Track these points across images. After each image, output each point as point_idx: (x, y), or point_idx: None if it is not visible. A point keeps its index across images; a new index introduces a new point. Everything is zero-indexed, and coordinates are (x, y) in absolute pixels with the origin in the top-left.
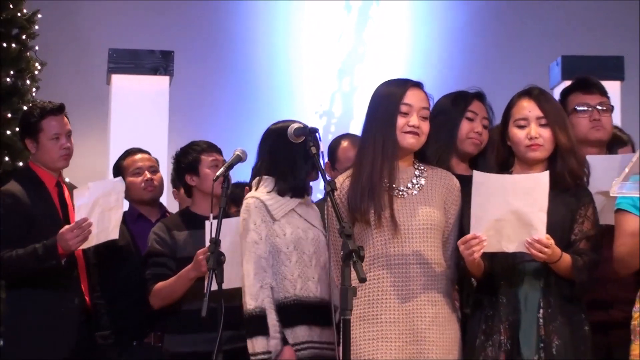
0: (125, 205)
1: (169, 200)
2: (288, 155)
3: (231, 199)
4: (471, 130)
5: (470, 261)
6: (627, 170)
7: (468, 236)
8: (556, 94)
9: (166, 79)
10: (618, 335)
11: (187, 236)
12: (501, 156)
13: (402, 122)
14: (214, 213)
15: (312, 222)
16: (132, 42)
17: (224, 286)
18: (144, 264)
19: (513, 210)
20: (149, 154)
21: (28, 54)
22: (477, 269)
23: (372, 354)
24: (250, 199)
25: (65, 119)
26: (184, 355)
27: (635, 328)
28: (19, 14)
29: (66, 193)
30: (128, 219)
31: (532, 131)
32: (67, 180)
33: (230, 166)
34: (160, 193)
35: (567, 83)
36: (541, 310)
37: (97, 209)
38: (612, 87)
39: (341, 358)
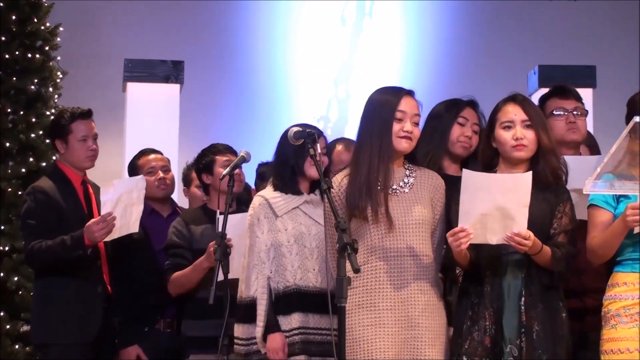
0: None
1: (179, 197)
2: (282, 157)
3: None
4: (461, 135)
5: (457, 252)
6: (598, 170)
7: (456, 229)
8: (534, 100)
9: (177, 86)
10: (591, 322)
11: (203, 230)
12: (486, 157)
13: (397, 128)
14: (221, 209)
15: (318, 219)
16: (146, 52)
17: (230, 276)
18: (164, 255)
19: (498, 206)
20: (161, 154)
21: (51, 63)
22: (463, 259)
23: (370, 339)
24: (256, 197)
25: (93, 123)
26: (199, 339)
27: (606, 315)
28: (42, 27)
29: (90, 191)
30: (142, 214)
31: (517, 132)
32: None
33: (235, 166)
34: (172, 191)
35: (544, 90)
36: (523, 298)
37: (121, 204)
38: (585, 94)
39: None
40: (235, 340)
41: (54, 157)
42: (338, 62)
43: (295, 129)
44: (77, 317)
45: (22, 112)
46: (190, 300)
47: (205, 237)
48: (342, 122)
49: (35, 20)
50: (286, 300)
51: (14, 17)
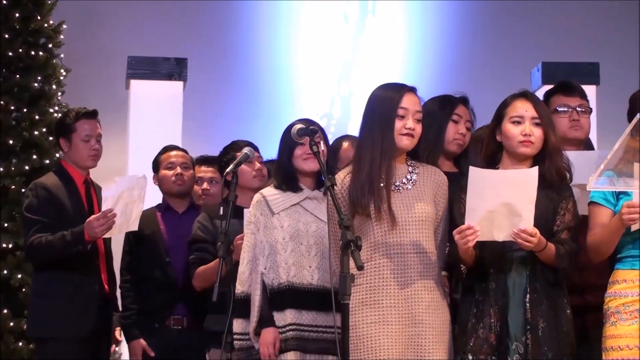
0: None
1: None
2: (284, 153)
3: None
4: (456, 132)
5: (464, 249)
6: (601, 167)
7: (463, 226)
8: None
9: (180, 84)
10: (593, 319)
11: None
12: (490, 151)
13: (400, 125)
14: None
15: (320, 216)
16: (149, 50)
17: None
18: (189, 250)
19: (504, 203)
20: (184, 151)
21: (54, 61)
22: (469, 256)
23: (374, 337)
24: (255, 194)
25: (97, 123)
26: (220, 333)
27: (606, 312)
28: (46, 25)
29: (92, 190)
30: (159, 210)
31: (526, 128)
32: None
33: (239, 163)
34: (189, 188)
35: (547, 87)
36: (528, 295)
37: (122, 201)
38: (588, 91)
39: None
40: (234, 335)
41: (57, 155)
42: (341, 59)
43: (298, 125)
44: (71, 313)
45: (25, 110)
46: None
47: (230, 233)
48: (345, 119)
49: (39, 17)
50: (279, 297)
51: (17, 15)
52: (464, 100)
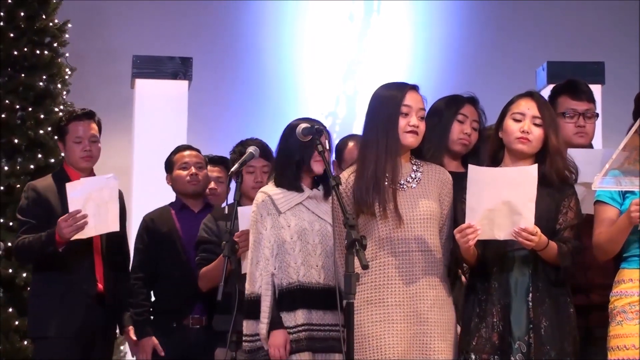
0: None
1: None
2: (286, 152)
3: None
4: (461, 132)
5: (465, 249)
6: (607, 166)
7: (463, 225)
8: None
9: (185, 83)
10: (597, 318)
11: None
12: (493, 148)
13: (403, 123)
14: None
15: (322, 215)
16: (154, 49)
17: (243, 271)
18: (196, 252)
19: (505, 201)
20: (198, 151)
21: (59, 60)
22: (471, 256)
23: (379, 335)
24: (259, 193)
25: (93, 124)
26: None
27: (612, 311)
28: (51, 24)
29: None
30: (174, 209)
31: (525, 126)
32: None
33: (244, 162)
34: (204, 188)
35: (552, 87)
36: (530, 294)
37: (91, 202)
38: (594, 91)
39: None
40: (243, 337)
41: (62, 154)
42: (346, 58)
43: (304, 125)
44: (60, 312)
45: (30, 109)
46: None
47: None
48: (350, 118)
49: (44, 16)
50: (290, 297)
51: (22, 14)
52: (471, 100)
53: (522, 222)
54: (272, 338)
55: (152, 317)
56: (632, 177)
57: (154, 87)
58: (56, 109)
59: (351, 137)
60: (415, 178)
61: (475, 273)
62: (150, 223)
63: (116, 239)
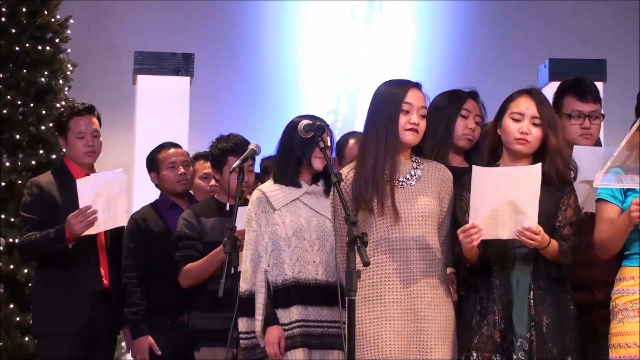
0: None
1: None
2: (287, 148)
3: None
4: (465, 127)
5: (468, 248)
6: (608, 163)
7: (467, 225)
8: (544, 94)
9: (187, 79)
10: (601, 315)
11: (214, 222)
12: (492, 145)
13: (404, 120)
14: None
15: (320, 210)
16: (156, 45)
17: (240, 269)
18: (174, 247)
19: (508, 200)
20: (181, 147)
21: (61, 56)
22: (473, 255)
23: (377, 332)
24: (255, 191)
25: (94, 119)
26: (209, 331)
27: (614, 309)
28: (52, 20)
29: None
30: (162, 208)
31: (524, 127)
32: None
33: (245, 159)
34: (191, 185)
35: (554, 84)
36: (532, 292)
37: (101, 198)
38: None
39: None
40: (240, 335)
41: (63, 150)
42: (348, 55)
43: (305, 121)
44: (64, 309)
45: (32, 105)
46: (200, 293)
47: (216, 230)
48: (352, 115)
49: (46, 12)
50: (285, 294)
51: (24, 10)
52: (473, 95)
53: (526, 221)
54: (267, 335)
55: (147, 316)
56: (633, 175)
57: (156, 83)
58: (58, 105)
59: (352, 134)
60: (415, 175)
61: (476, 271)
62: (141, 222)
63: (119, 235)
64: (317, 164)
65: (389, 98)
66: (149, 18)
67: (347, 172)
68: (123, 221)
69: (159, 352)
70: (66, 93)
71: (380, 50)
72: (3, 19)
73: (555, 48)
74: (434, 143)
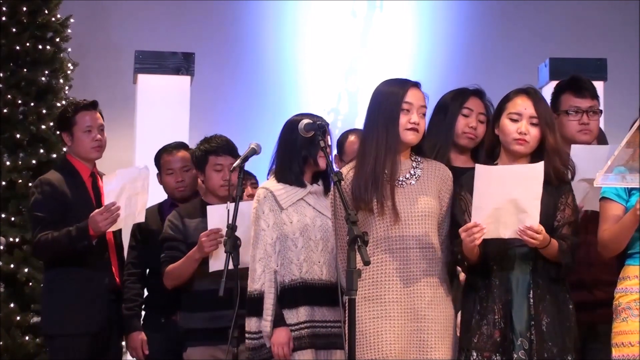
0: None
1: None
2: (290, 147)
3: None
4: (466, 126)
5: (470, 247)
6: (609, 162)
7: (469, 224)
8: (544, 93)
9: (187, 78)
10: (601, 314)
11: (198, 223)
12: (490, 144)
13: (405, 120)
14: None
15: (322, 210)
16: (156, 44)
17: (240, 266)
18: (161, 248)
19: (510, 199)
20: (183, 148)
21: (61, 55)
22: (474, 254)
23: (377, 332)
24: (260, 189)
25: (98, 114)
26: (196, 331)
27: (616, 308)
28: (53, 19)
29: (99, 183)
30: (163, 206)
31: (522, 127)
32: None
33: (246, 158)
34: (191, 189)
35: (555, 83)
36: (531, 291)
37: (125, 194)
38: (596, 87)
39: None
40: (247, 336)
41: (64, 149)
42: (348, 54)
43: (306, 120)
44: (82, 308)
45: (32, 104)
46: (184, 293)
47: (197, 231)
48: (352, 114)
49: (46, 11)
50: (292, 294)
51: (24, 9)
52: (477, 93)
53: (528, 220)
54: (275, 336)
55: (143, 313)
56: (637, 173)
57: (156, 82)
58: (58, 104)
59: (352, 131)
60: (415, 175)
61: (476, 270)
62: (142, 221)
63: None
64: (323, 163)
65: (389, 97)
66: (150, 17)
67: (347, 171)
68: (141, 217)
69: (147, 352)
70: (67, 92)
71: (381, 50)
72: (3, 18)
73: (555, 47)
74: (435, 141)
